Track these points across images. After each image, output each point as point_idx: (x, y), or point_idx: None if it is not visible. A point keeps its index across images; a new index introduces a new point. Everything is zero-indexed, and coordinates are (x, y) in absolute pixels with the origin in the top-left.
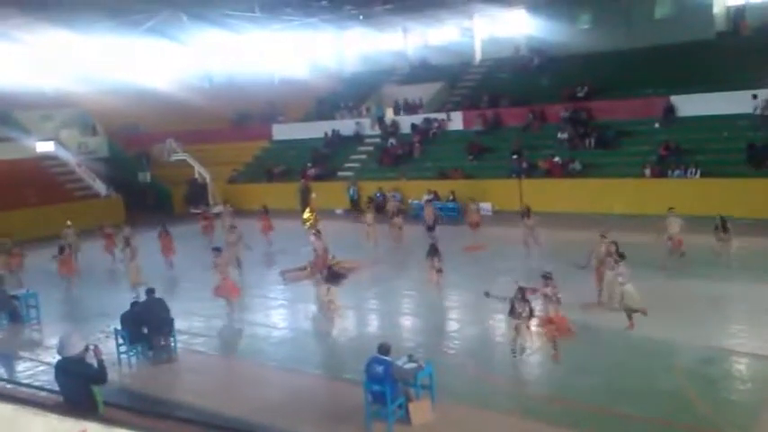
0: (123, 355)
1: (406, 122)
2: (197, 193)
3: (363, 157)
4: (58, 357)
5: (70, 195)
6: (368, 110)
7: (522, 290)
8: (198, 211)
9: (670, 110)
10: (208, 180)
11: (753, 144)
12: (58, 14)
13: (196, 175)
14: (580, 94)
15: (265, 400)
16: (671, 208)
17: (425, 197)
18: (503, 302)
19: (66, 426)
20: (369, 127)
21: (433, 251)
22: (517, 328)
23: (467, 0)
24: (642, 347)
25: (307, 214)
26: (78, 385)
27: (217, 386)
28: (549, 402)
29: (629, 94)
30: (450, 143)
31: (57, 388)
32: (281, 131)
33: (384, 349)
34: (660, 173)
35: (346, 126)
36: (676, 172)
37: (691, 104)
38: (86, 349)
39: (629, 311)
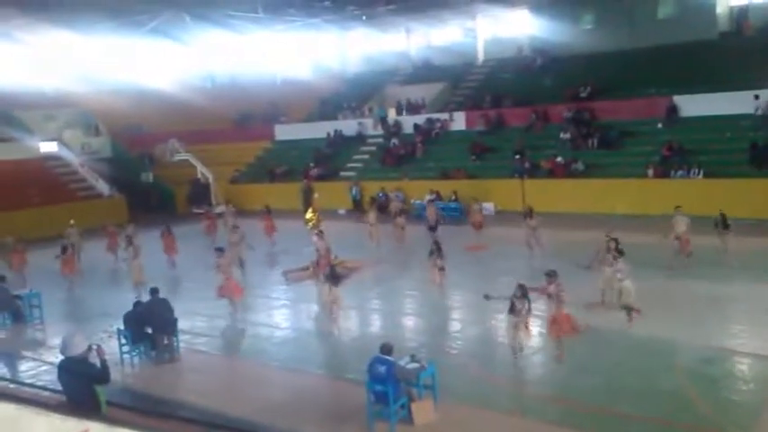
0: (126, 355)
1: (408, 122)
2: (199, 194)
3: (366, 157)
4: (60, 357)
5: (73, 195)
6: (370, 110)
7: (521, 287)
8: (201, 211)
9: (673, 110)
10: (210, 180)
11: (755, 144)
12: (60, 15)
13: (198, 176)
14: (583, 95)
15: (268, 399)
16: (677, 207)
17: (428, 197)
18: (503, 301)
19: (69, 425)
20: (371, 127)
21: (436, 250)
22: (516, 326)
23: (470, 0)
24: (643, 347)
25: (309, 214)
26: (81, 385)
27: (219, 386)
28: (551, 402)
29: (632, 95)
30: (453, 143)
31: (60, 388)
32: (284, 132)
33: (386, 349)
34: (663, 173)
35: (349, 126)
36: (679, 172)
37: (694, 105)
38: (89, 349)
39: (627, 308)
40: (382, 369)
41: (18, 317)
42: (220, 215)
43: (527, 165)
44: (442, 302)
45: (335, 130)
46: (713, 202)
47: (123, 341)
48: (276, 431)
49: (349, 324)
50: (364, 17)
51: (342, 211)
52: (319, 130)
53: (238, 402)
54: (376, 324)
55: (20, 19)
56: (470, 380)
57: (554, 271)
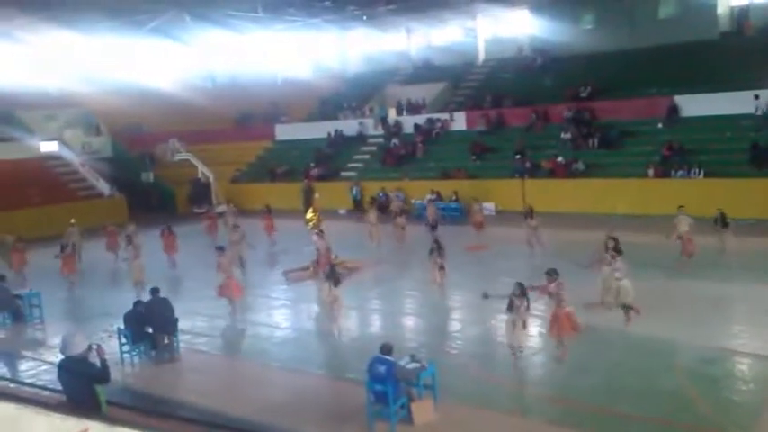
0: (126, 355)
1: (409, 122)
2: (200, 193)
3: (366, 157)
4: (60, 356)
5: (74, 195)
6: (371, 110)
7: (520, 286)
8: (201, 211)
9: (673, 110)
10: (211, 180)
11: (756, 144)
12: (61, 15)
13: (199, 175)
14: (583, 95)
15: (268, 399)
16: (681, 206)
17: (428, 197)
18: (501, 300)
19: (69, 425)
20: (372, 127)
21: (436, 248)
22: (515, 324)
23: (470, 0)
24: (643, 347)
25: (309, 214)
26: (81, 384)
27: (219, 386)
28: (551, 402)
29: (633, 95)
30: (453, 143)
31: (60, 387)
32: (284, 131)
33: (386, 349)
34: (663, 173)
35: (349, 126)
36: (680, 172)
37: (694, 105)
38: (89, 348)
39: (625, 307)
40: (382, 369)
41: (18, 316)
42: (221, 215)
43: (527, 165)
44: (442, 302)
45: (336, 130)
46: (714, 203)
47: (123, 341)
48: (276, 431)
49: (349, 324)
50: (365, 17)
51: (342, 211)
52: (320, 130)
53: (238, 402)
54: (376, 324)
55: (21, 19)
56: (470, 380)
57: (555, 270)
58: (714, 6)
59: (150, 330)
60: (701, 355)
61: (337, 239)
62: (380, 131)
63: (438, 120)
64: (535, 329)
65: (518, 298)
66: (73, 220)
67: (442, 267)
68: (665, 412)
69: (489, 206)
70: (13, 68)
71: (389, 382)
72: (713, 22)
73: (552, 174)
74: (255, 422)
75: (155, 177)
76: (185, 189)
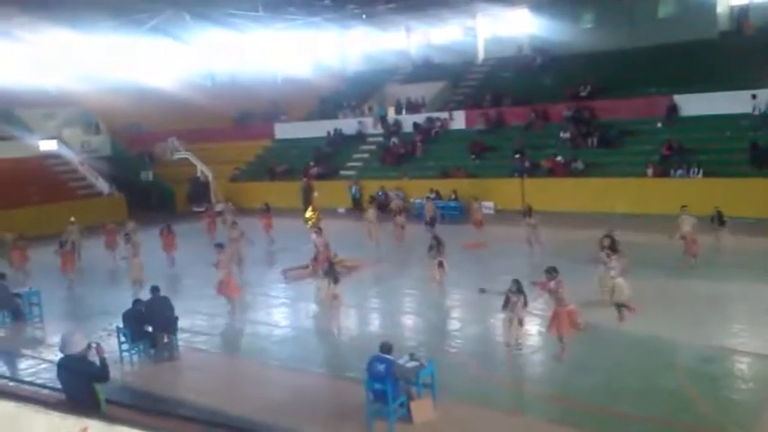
0: (125, 353)
1: (408, 121)
2: (199, 192)
3: (366, 156)
4: (60, 355)
5: (73, 194)
6: (370, 109)
7: (517, 282)
8: (201, 210)
9: (673, 109)
10: (210, 179)
11: (755, 144)
12: (60, 13)
13: (198, 174)
14: (583, 94)
15: (267, 398)
16: (683, 206)
17: (427, 195)
18: (498, 296)
19: (68, 423)
20: (371, 126)
21: (436, 245)
22: (511, 321)
23: None
24: (643, 346)
25: (309, 213)
26: (80, 383)
27: (219, 384)
28: (551, 401)
29: (632, 94)
30: (453, 142)
31: (59, 386)
32: (284, 130)
33: (386, 348)
34: (663, 172)
35: (349, 125)
36: (679, 171)
37: (694, 104)
38: (89, 347)
39: (619, 306)
40: (381, 368)
41: (17, 315)
42: (220, 213)
43: (527, 164)
44: (441, 301)
45: (335, 129)
46: (713, 202)
47: (122, 339)
48: (276, 430)
49: (348, 323)
50: (364, 16)
51: (341, 210)
52: (319, 129)
53: (238, 401)
54: (375, 323)
55: (20, 17)
56: (470, 378)
57: (554, 268)
58: (713, 6)
59: (150, 329)
60: (701, 354)
61: (336, 238)
62: (380, 130)
63: (437, 119)
64: (534, 327)
65: (515, 295)
66: (73, 218)
67: (441, 264)
68: (664, 411)
69: (488, 205)
70: (13, 67)
71: (389, 380)
72: (713, 21)
73: (551, 173)
74: (255, 421)
75: (154, 176)
76: (184, 188)
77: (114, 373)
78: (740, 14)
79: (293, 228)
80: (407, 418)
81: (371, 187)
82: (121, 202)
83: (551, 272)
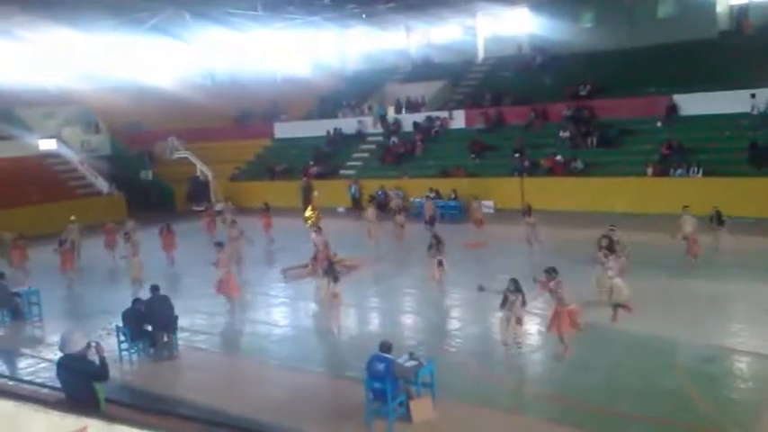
0: (125, 353)
1: (408, 121)
2: (199, 191)
3: (365, 155)
4: (59, 354)
5: (72, 193)
6: (370, 108)
7: (514, 281)
8: (201, 209)
9: (673, 109)
10: (210, 178)
11: (755, 143)
12: (60, 12)
13: (198, 173)
14: (582, 93)
15: (267, 397)
16: (685, 207)
17: (427, 194)
18: (497, 294)
19: (68, 422)
20: (371, 125)
21: (435, 244)
22: (509, 320)
23: None
24: (643, 346)
25: (308, 212)
26: (80, 382)
27: (218, 383)
28: (550, 400)
29: (632, 93)
30: (453, 141)
31: (58, 385)
32: (283, 130)
33: (385, 347)
34: (662, 172)
35: (348, 124)
36: (678, 171)
37: (693, 103)
38: (88, 346)
39: (615, 306)
40: (381, 367)
41: (17, 314)
42: (220, 212)
43: (526, 163)
44: (440, 300)
45: (335, 129)
46: (712, 202)
47: (122, 338)
48: (275, 429)
49: (348, 322)
50: (364, 15)
51: (341, 209)
52: (319, 129)
53: (237, 400)
54: (375, 322)
55: (21, 16)
56: (469, 378)
57: (554, 268)
58: (713, 5)
59: (150, 328)
60: (701, 353)
61: (336, 237)
62: (380, 130)
63: (437, 118)
64: (534, 327)
65: (512, 294)
66: (73, 217)
67: (440, 263)
68: (664, 411)
69: (488, 204)
70: (13, 66)
71: (388, 379)
72: (712, 20)
73: (551, 172)
74: (254, 420)
75: (154, 175)
76: (184, 187)
77: (114, 372)
78: (740, 14)
79: (293, 227)
80: (407, 417)
81: (371, 186)
82: (121, 201)
83: (551, 272)
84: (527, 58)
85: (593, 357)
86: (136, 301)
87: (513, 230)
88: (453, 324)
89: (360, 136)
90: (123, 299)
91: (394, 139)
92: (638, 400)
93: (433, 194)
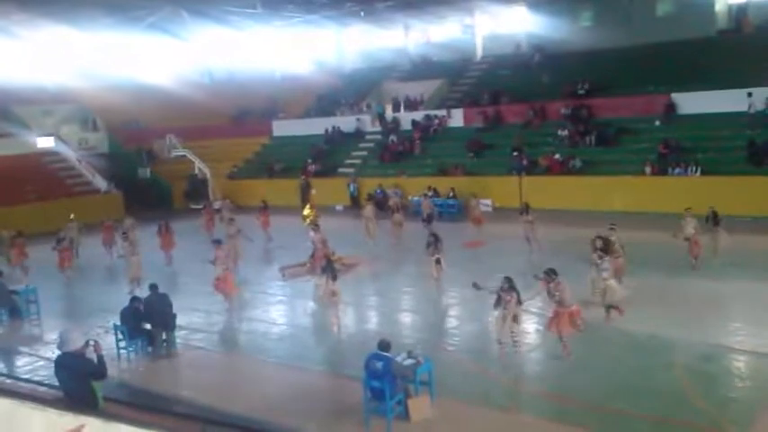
0: (123, 351)
1: (406, 119)
2: (197, 189)
3: (364, 153)
4: (57, 352)
5: (70, 191)
6: (368, 106)
7: (508, 280)
8: (200, 207)
9: (671, 108)
10: (208, 176)
11: (753, 142)
12: (58, 11)
13: (196, 171)
14: (581, 92)
15: (265, 395)
16: (687, 208)
17: (424, 192)
18: (493, 293)
19: (66, 420)
20: (369, 123)
21: (433, 242)
22: (504, 319)
23: None
24: (641, 344)
25: (307, 211)
26: (78, 380)
27: (216, 382)
28: (549, 399)
29: (630, 92)
30: (451, 140)
31: (56, 383)
32: (282, 128)
33: (384, 345)
34: (660, 171)
35: (347, 122)
36: (677, 170)
37: (691, 102)
38: (86, 344)
39: (608, 307)
40: (379, 365)
41: (15, 312)
42: (218, 210)
43: (525, 161)
44: (439, 299)
45: (333, 127)
46: (710, 200)
47: (120, 336)
48: (273, 427)
49: (346, 320)
50: (362, 13)
51: (339, 208)
52: (317, 127)
53: (235, 398)
54: (373, 320)
55: (18, 15)
56: (467, 376)
57: (553, 270)
58: (712, 4)
59: (148, 326)
60: (699, 352)
61: (334, 236)
62: (378, 128)
63: (435, 116)
64: (532, 325)
65: (506, 293)
66: (72, 215)
67: (438, 262)
68: (662, 409)
69: (486, 202)
70: (11, 64)
71: (386, 378)
72: (711, 19)
73: (549, 171)
74: (252, 418)
75: (152, 173)
76: (182, 185)
77: (111, 370)
78: (739, 13)
79: (291, 225)
80: (405, 415)
81: (370, 185)
82: (119, 199)
83: (550, 274)
84: (525, 57)
85: (591, 356)
86: (134, 299)
87: (512, 229)
88: (451, 322)
89: (358, 134)
90: (121, 297)
91: (392, 137)
92: (637, 399)
93: (431, 193)
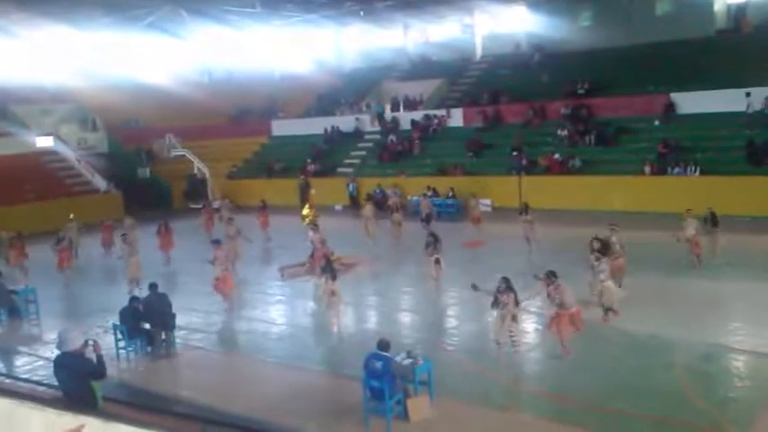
0: (122, 351)
1: (405, 119)
2: (196, 189)
3: (363, 153)
4: (57, 352)
5: (69, 191)
6: (368, 106)
7: (505, 280)
8: (199, 207)
9: (670, 107)
10: (207, 176)
11: (752, 142)
12: (57, 10)
13: (195, 171)
14: (580, 91)
15: (264, 395)
16: (688, 210)
17: (424, 192)
18: (490, 295)
19: (65, 420)
20: (369, 123)
21: (433, 242)
22: (503, 319)
23: None
24: (641, 344)
25: (306, 210)
26: (77, 380)
27: (215, 382)
28: (548, 398)
29: (630, 92)
30: (450, 139)
31: (56, 383)
32: (281, 127)
33: (383, 345)
34: (660, 170)
35: (346, 122)
36: (676, 169)
37: (691, 102)
38: (85, 344)
39: (607, 309)
40: (378, 365)
41: (14, 312)
42: (218, 210)
43: (524, 161)
44: (438, 298)
45: (333, 126)
46: (710, 200)
47: (119, 336)
48: (273, 427)
49: (346, 320)
50: (362, 13)
51: (338, 207)
52: (317, 126)
53: (235, 398)
54: (372, 320)
55: (17, 14)
56: (466, 376)
57: (553, 272)
58: (711, 4)
59: (147, 326)
60: (699, 352)
61: (334, 235)
62: (377, 128)
63: (435, 116)
64: (531, 325)
65: (503, 293)
66: (72, 216)
67: (438, 262)
68: (662, 409)
69: (486, 202)
70: (10, 63)
71: (386, 378)
72: (710, 19)
73: (549, 170)
74: (252, 418)
75: (151, 173)
76: (181, 185)
77: (111, 370)
78: (738, 12)
79: (290, 225)
80: (404, 415)
81: (369, 184)
82: (118, 199)
83: (550, 276)
84: (525, 56)
85: (591, 356)
86: (133, 298)
87: (511, 229)
88: (451, 322)
89: (357, 134)
90: (120, 297)
91: (392, 137)
92: (637, 399)
93: (430, 193)
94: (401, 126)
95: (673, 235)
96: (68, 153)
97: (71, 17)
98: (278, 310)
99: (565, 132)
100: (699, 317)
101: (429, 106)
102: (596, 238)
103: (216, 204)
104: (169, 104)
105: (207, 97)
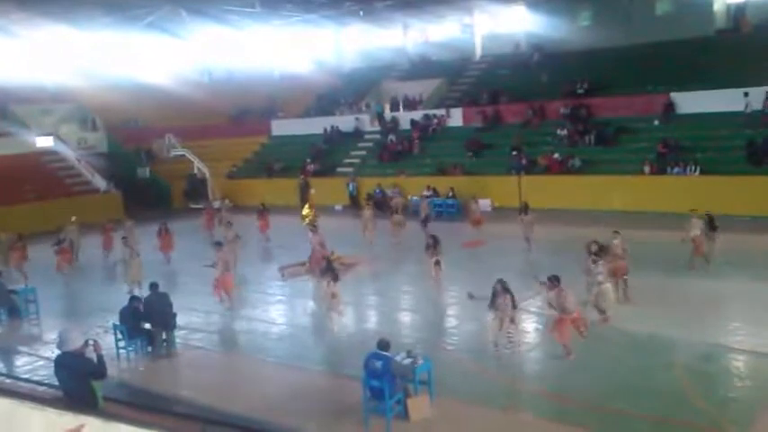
0: (122, 350)
1: (405, 118)
2: (196, 189)
3: (363, 153)
4: (57, 352)
5: (69, 190)
6: (367, 106)
7: (501, 282)
8: (200, 207)
9: (670, 107)
10: (207, 176)
11: (752, 141)
12: (57, 10)
13: (195, 171)
14: (580, 91)
15: (264, 395)
16: (692, 210)
17: (424, 193)
18: (486, 301)
19: (65, 420)
20: (368, 123)
21: (432, 244)
22: (501, 320)
23: None
24: (641, 344)
25: (305, 210)
26: (78, 380)
27: (216, 382)
28: (548, 398)
29: (629, 91)
30: (450, 139)
31: (56, 383)
32: (281, 127)
33: (383, 345)
34: (659, 170)
35: (346, 122)
36: (675, 169)
37: (690, 102)
38: (86, 344)
39: (602, 311)
40: (378, 364)
41: (14, 312)
42: (218, 210)
43: (524, 161)
44: (438, 298)
45: (332, 126)
46: (709, 200)
47: (119, 336)
48: (273, 427)
49: (346, 320)
50: (361, 13)
51: (338, 207)
52: (316, 126)
53: (235, 398)
54: (372, 320)
55: (17, 14)
56: (466, 375)
57: (556, 276)
58: (710, 3)
59: (147, 326)
60: (699, 351)
61: (334, 236)
62: (377, 127)
63: (434, 116)
64: (531, 325)
65: (500, 295)
66: (74, 218)
67: (437, 263)
68: (662, 409)
69: (485, 202)
70: (9, 63)
71: (386, 377)
72: (710, 19)
73: (548, 170)
74: (252, 418)
75: (151, 173)
76: (181, 184)
77: (111, 370)
78: (737, 12)
79: (290, 225)
80: (404, 415)
81: (369, 184)
82: (118, 198)
83: (553, 280)
84: (524, 56)
85: (591, 356)
86: (133, 298)
87: (511, 228)
88: (451, 322)
89: (357, 134)
90: (120, 297)
91: (391, 136)
92: (637, 399)
93: (429, 193)
94: (401, 126)
95: (682, 240)
96: (68, 153)
97: (71, 17)
98: (278, 309)
99: (564, 132)
100: (699, 317)
101: (429, 106)
102: (595, 242)
103: (216, 204)
104: (169, 104)
105: (207, 97)
